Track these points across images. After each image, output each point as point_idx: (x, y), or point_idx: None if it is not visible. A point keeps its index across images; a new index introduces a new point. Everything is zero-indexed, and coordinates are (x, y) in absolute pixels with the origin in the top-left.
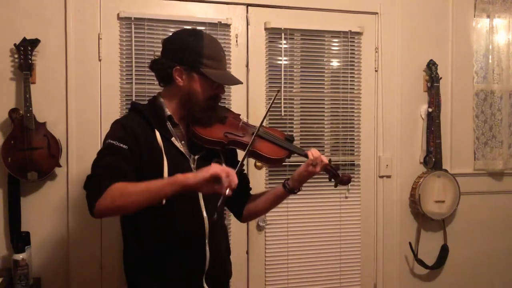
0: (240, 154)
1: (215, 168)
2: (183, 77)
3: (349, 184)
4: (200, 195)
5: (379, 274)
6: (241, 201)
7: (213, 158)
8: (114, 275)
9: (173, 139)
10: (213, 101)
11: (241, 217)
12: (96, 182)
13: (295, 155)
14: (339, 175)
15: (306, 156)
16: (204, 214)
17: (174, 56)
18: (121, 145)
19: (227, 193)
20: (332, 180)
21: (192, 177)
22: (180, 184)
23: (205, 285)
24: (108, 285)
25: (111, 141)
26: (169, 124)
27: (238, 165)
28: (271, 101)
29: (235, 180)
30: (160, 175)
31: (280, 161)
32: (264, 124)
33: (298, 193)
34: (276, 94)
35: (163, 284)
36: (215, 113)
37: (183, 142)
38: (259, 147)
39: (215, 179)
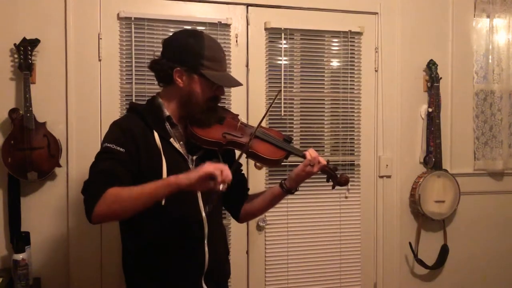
0: (238, 154)
1: (208, 167)
2: (183, 78)
3: (349, 184)
4: (199, 196)
5: (379, 274)
6: (239, 201)
7: (211, 159)
8: (114, 275)
9: (171, 139)
10: (213, 102)
11: (238, 217)
12: (92, 188)
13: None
14: (337, 176)
15: (303, 156)
16: (203, 214)
17: (174, 57)
18: (118, 148)
19: (221, 188)
20: (330, 181)
21: (184, 177)
22: (173, 186)
23: (204, 285)
24: (108, 285)
25: (108, 144)
26: (167, 125)
27: (234, 163)
28: (271, 102)
29: (229, 175)
30: (159, 176)
31: (278, 162)
32: (263, 124)
33: (297, 193)
34: (277, 94)
35: (162, 284)
36: (215, 114)
37: (181, 142)
38: (257, 147)
39: (209, 177)
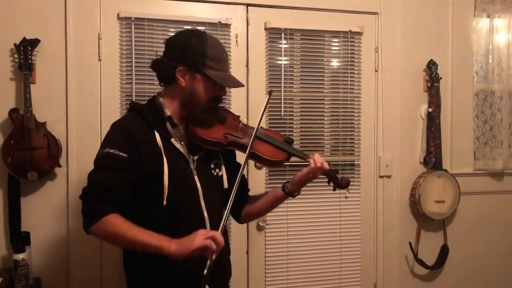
0: (239, 155)
1: (198, 241)
2: (185, 77)
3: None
4: (201, 196)
5: (379, 274)
6: (240, 203)
7: (212, 159)
8: (114, 275)
9: (172, 140)
10: (215, 102)
11: (239, 219)
12: (93, 202)
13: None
14: (338, 178)
15: (305, 159)
16: (205, 214)
17: (177, 56)
18: (121, 153)
19: (214, 258)
20: (331, 183)
21: (175, 249)
22: (164, 251)
23: (205, 285)
24: (108, 285)
25: (110, 150)
26: (168, 125)
27: (239, 176)
28: (265, 104)
29: (221, 243)
30: (161, 177)
31: (279, 163)
32: (263, 125)
33: (298, 196)
34: (268, 98)
35: (163, 284)
36: (216, 114)
37: (182, 143)
38: (258, 148)
39: (200, 249)
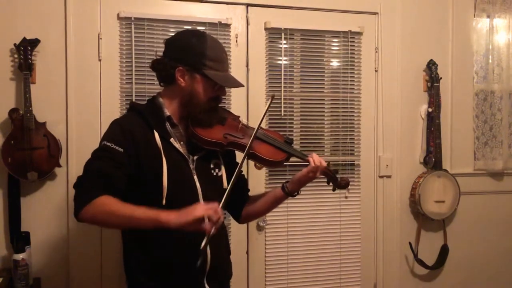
0: (239, 155)
1: (198, 211)
2: (185, 77)
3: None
4: (200, 196)
5: (379, 274)
6: (240, 203)
7: (212, 159)
8: (114, 275)
9: (171, 140)
10: (214, 102)
11: (239, 219)
12: (86, 187)
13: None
14: (337, 179)
15: (305, 159)
16: None
17: (177, 56)
18: (117, 147)
19: (212, 232)
20: (330, 184)
21: (174, 219)
22: (162, 225)
23: (206, 285)
24: (108, 285)
25: (107, 143)
26: (168, 125)
27: (237, 170)
28: (266, 107)
29: (221, 217)
30: (160, 177)
31: (278, 164)
32: (263, 125)
33: (297, 196)
34: (271, 101)
35: (164, 284)
36: (216, 114)
37: (182, 143)
38: (258, 149)
39: (200, 219)
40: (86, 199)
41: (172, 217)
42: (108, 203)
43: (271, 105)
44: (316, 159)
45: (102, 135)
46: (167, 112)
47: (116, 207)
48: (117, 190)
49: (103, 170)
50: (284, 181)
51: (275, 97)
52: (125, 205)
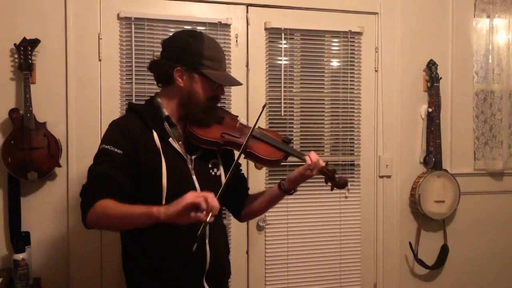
0: (237, 154)
1: (188, 198)
2: (183, 77)
3: (349, 185)
4: None
5: (379, 274)
6: (239, 201)
7: (210, 159)
8: (114, 275)
9: (170, 139)
10: (213, 102)
11: (239, 217)
12: (87, 194)
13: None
14: (336, 178)
15: (302, 158)
16: None
17: (174, 56)
18: (116, 149)
19: (209, 220)
20: (329, 183)
21: (164, 210)
22: (154, 218)
23: (205, 284)
24: (108, 285)
25: (106, 146)
26: (166, 125)
27: (233, 166)
28: (258, 116)
29: (215, 204)
30: (159, 176)
31: (276, 163)
32: (264, 126)
33: (297, 193)
34: (263, 110)
35: (163, 284)
36: (214, 113)
37: (180, 142)
38: (255, 148)
39: (192, 207)
40: (88, 205)
41: (162, 209)
42: (106, 206)
43: (269, 103)
44: (313, 157)
45: (102, 135)
46: (166, 112)
47: (112, 208)
48: (122, 190)
49: (104, 173)
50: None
51: (275, 97)
52: (121, 205)
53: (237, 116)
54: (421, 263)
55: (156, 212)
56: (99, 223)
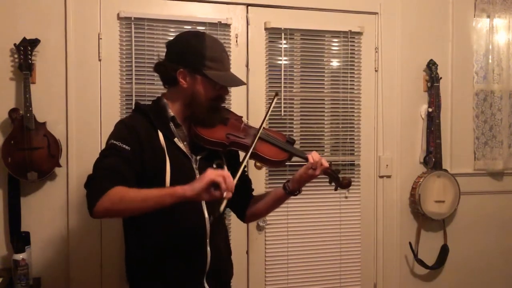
0: (242, 155)
1: (210, 175)
2: (186, 79)
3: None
4: None
5: (379, 274)
6: (244, 203)
7: (215, 159)
8: (114, 275)
9: (175, 139)
10: (217, 102)
11: (244, 218)
12: (97, 183)
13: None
14: (339, 178)
15: (306, 159)
16: (206, 214)
17: (177, 58)
18: (124, 146)
19: (225, 196)
20: (332, 183)
21: (189, 189)
22: (179, 197)
23: (206, 285)
24: (108, 285)
25: (114, 141)
26: (172, 125)
27: (241, 168)
28: (269, 105)
29: (232, 182)
30: (163, 176)
31: (281, 163)
32: (264, 125)
33: (299, 195)
34: (274, 98)
35: (164, 284)
36: (218, 114)
37: (185, 143)
38: (260, 149)
39: (213, 184)
40: (101, 191)
41: (187, 187)
42: (123, 190)
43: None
44: (315, 156)
45: (102, 135)
46: (171, 113)
47: (132, 192)
48: (128, 183)
49: (113, 166)
50: (284, 180)
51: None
52: (139, 189)
53: (242, 117)
54: (421, 263)
55: (181, 190)
56: (113, 208)
